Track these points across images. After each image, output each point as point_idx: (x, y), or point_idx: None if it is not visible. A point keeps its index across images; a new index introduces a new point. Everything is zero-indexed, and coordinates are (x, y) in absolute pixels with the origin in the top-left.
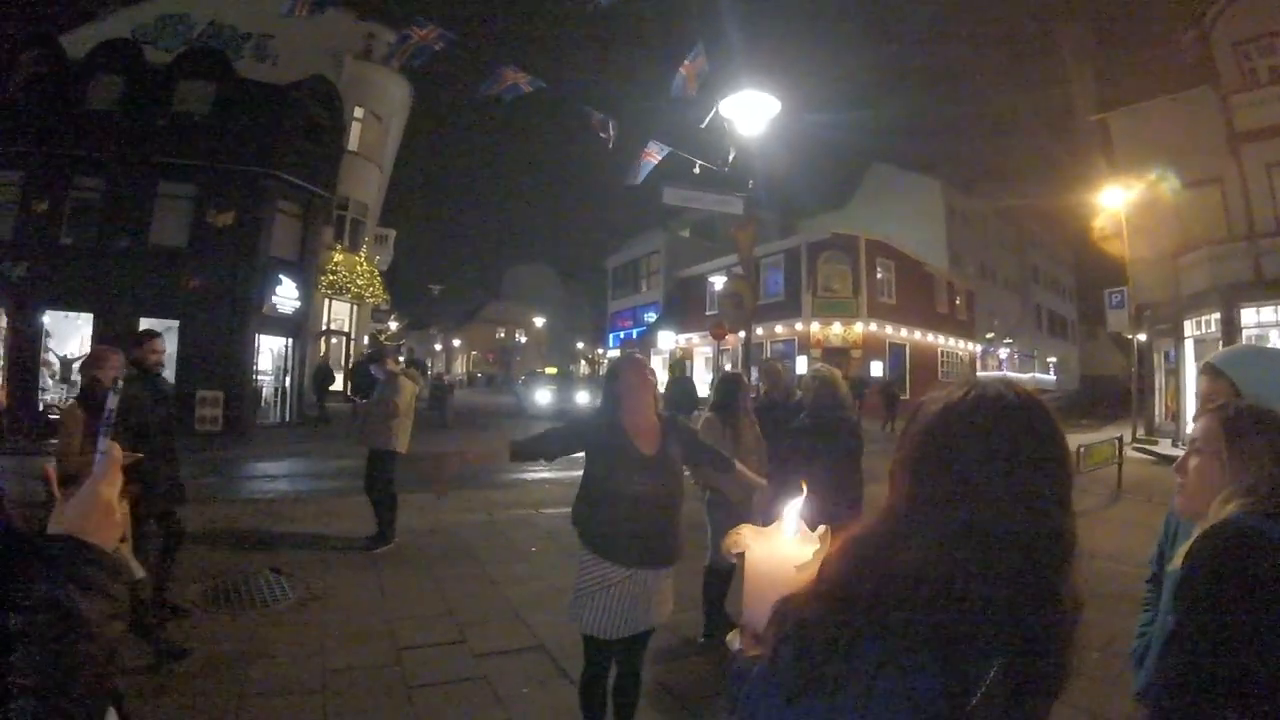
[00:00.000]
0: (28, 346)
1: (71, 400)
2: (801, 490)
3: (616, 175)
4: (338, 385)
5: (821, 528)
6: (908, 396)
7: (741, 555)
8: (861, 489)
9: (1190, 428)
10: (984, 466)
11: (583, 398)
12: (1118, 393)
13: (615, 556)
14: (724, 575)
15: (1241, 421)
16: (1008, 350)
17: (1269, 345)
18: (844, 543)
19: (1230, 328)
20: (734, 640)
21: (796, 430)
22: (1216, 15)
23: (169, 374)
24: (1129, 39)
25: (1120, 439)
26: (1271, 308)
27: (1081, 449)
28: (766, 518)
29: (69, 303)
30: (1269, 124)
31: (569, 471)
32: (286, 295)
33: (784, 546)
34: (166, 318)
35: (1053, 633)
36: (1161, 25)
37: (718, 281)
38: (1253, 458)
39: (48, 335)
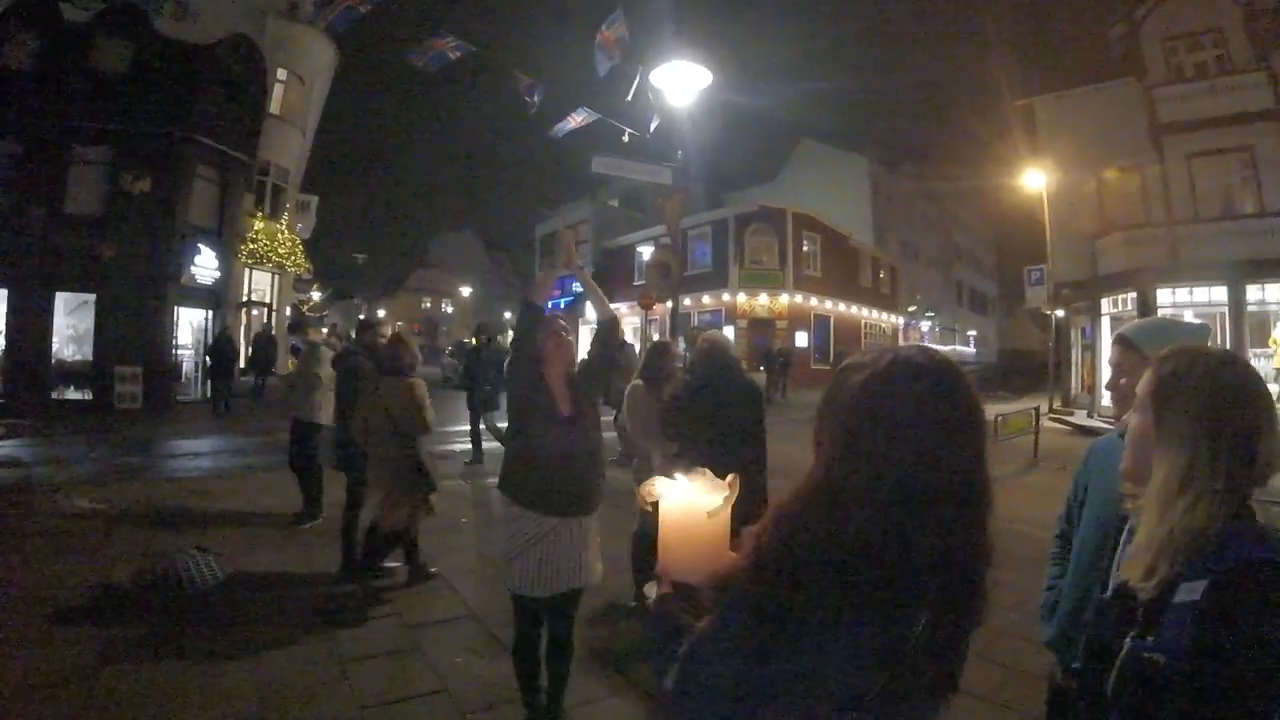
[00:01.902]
0: None
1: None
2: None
3: (545, 144)
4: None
5: (730, 476)
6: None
7: (655, 505)
8: (764, 451)
9: (1106, 400)
10: (911, 430)
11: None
12: (1034, 366)
13: (540, 507)
14: (652, 540)
15: (1173, 373)
16: (929, 323)
17: (1180, 319)
18: (777, 512)
19: (1145, 307)
20: (651, 589)
21: (679, 394)
22: (1148, 11)
23: (88, 349)
24: (1055, 26)
25: (1037, 409)
26: (1186, 289)
27: (999, 418)
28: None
29: None
30: (1191, 117)
31: (495, 443)
32: (206, 265)
33: (695, 495)
34: (83, 290)
35: (975, 576)
36: (1088, 15)
37: (645, 252)
38: (1176, 420)
39: None
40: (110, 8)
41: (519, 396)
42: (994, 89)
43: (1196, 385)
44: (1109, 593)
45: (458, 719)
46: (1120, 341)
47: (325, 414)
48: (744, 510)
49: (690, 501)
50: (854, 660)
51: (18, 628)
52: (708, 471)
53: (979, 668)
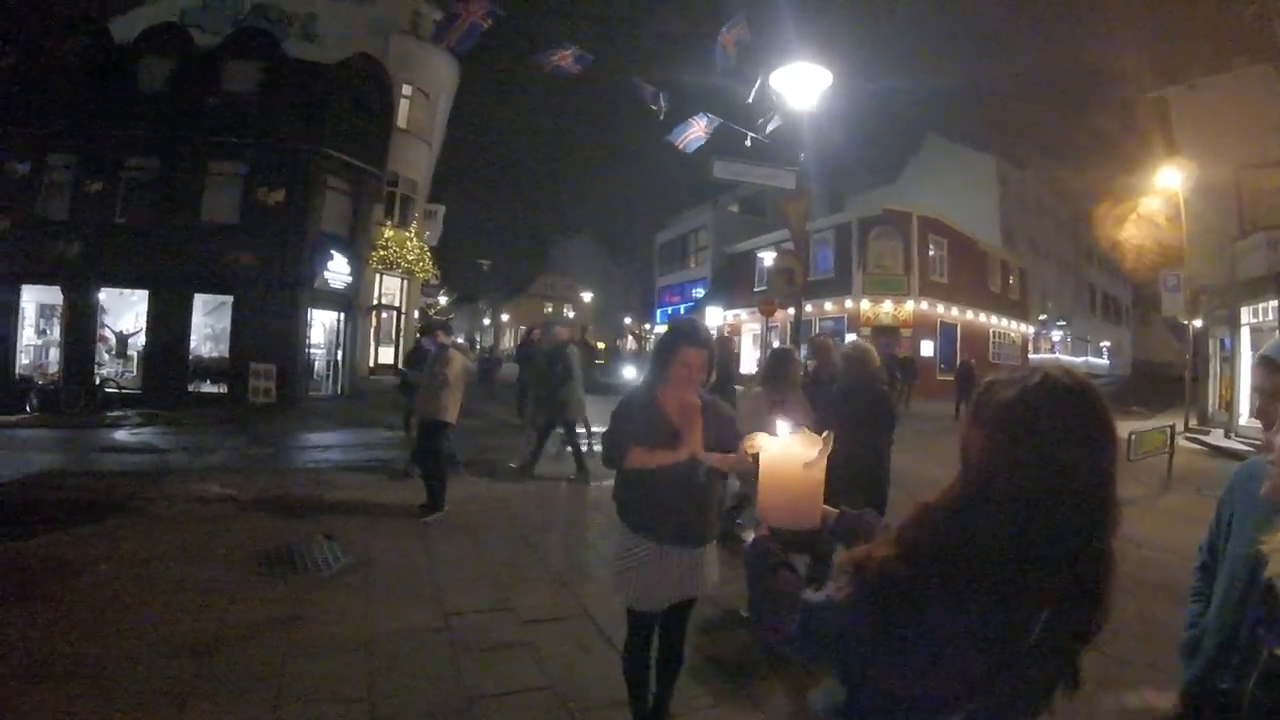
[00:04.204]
0: (84, 323)
1: None
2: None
3: (665, 150)
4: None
5: (826, 432)
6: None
7: (757, 457)
8: (888, 460)
9: (1244, 419)
10: (1054, 446)
11: (629, 372)
12: (1171, 380)
13: (649, 534)
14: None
15: None
16: (1061, 333)
17: None
18: (924, 508)
19: None
20: (748, 534)
21: (830, 404)
22: None
23: (224, 347)
24: (1188, 11)
25: (1172, 428)
26: None
27: (1133, 436)
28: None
29: (124, 280)
30: None
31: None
32: (338, 270)
33: (793, 448)
34: (220, 293)
35: (1096, 586)
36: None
37: (766, 257)
38: None
39: (104, 312)
40: (239, 31)
41: (638, 415)
42: (1127, 81)
43: None
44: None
45: (564, 716)
46: (1265, 364)
47: (451, 414)
48: (865, 501)
49: (788, 454)
50: (976, 650)
51: (142, 601)
52: (805, 428)
53: (1102, 701)
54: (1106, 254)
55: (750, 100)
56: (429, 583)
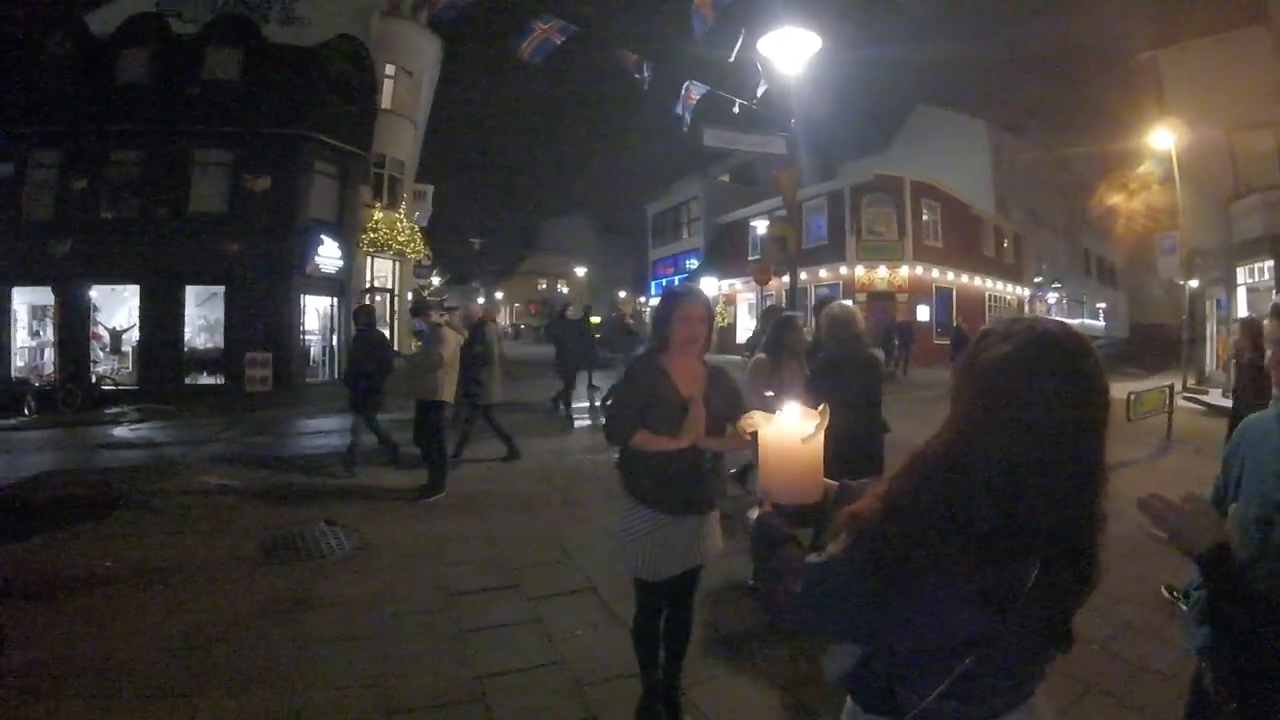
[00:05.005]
0: (77, 322)
1: None
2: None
3: (654, 121)
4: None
5: (822, 405)
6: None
7: (754, 435)
8: (880, 422)
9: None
10: (1046, 402)
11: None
12: (1168, 341)
13: (652, 503)
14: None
15: None
16: (1056, 295)
17: None
18: (912, 462)
19: None
20: (753, 513)
21: (816, 369)
22: None
23: (218, 338)
24: None
25: (1170, 387)
26: None
27: (1131, 396)
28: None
29: (115, 276)
30: None
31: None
32: (329, 255)
33: (790, 423)
34: (212, 284)
35: (1086, 541)
36: None
37: (759, 226)
38: None
39: (96, 309)
40: (218, 18)
41: (639, 389)
42: (1119, 44)
43: None
44: None
45: (575, 691)
46: (1278, 314)
47: (447, 393)
48: (862, 471)
49: (785, 430)
50: (972, 606)
51: (148, 596)
52: (799, 404)
53: (1106, 664)
54: (1099, 220)
55: (732, 59)
56: (433, 564)
